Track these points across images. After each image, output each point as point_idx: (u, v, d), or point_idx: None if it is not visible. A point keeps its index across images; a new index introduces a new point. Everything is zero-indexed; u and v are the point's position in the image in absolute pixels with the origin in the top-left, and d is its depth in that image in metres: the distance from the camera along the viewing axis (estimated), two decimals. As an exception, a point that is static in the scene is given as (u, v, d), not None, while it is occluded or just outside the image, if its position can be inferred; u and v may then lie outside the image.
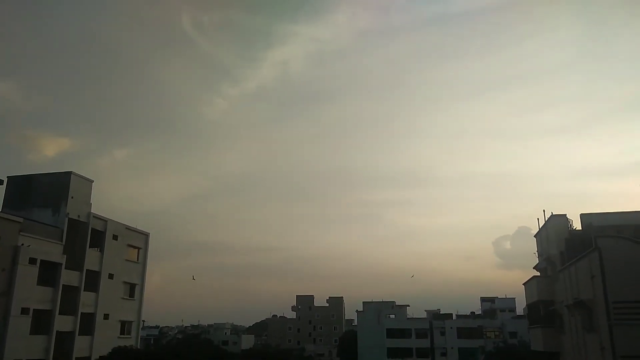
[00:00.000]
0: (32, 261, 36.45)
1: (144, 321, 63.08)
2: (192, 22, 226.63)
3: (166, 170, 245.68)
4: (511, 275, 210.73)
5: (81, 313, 41.66)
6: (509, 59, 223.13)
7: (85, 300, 42.30)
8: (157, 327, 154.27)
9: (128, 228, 48.78)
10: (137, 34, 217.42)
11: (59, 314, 38.98)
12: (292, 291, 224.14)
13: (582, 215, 37.86)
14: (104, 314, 44.48)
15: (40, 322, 37.36)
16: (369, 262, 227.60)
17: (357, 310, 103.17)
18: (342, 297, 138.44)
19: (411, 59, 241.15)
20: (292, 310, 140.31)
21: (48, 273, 38.28)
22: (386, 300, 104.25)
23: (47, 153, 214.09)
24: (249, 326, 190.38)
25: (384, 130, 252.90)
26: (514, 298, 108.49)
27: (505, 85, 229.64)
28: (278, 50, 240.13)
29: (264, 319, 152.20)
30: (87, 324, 42.56)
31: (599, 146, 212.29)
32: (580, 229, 37.90)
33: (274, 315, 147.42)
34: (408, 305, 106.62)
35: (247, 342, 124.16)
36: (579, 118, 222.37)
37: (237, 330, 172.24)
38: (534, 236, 47.34)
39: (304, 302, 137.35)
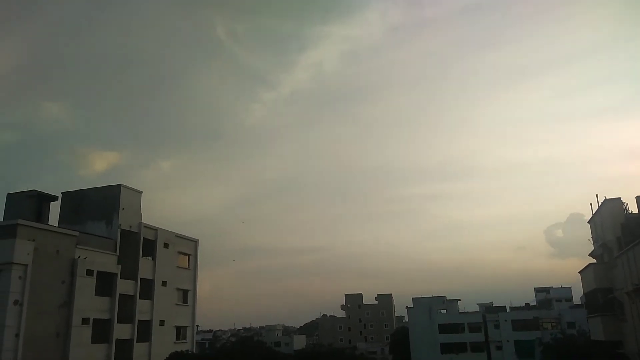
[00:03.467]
0: (90, 272, 37.80)
1: (197, 326, 64.46)
2: (226, 31, 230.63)
3: (210, 178, 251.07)
4: (565, 264, 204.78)
5: (138, 320, 42.91)
6: (545, 42, 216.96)
7: (141, 308, 43.57)
8: (210, 331, 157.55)
9: (178, 236, 49.97)
10: (174, 48, 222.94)
11: (117, 322, 40.28)
12: (340, 290, 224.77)
13: (638, 198, 36.47)
14: (160, 321, 45.68)
15: (100, 331, 38.69)
16: (416, 257, 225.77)
17: (407, 307, 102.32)
18: (390, 294, 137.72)
19: (446, 50, 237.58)
20: (341, 309, 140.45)
21: (105, 283, 39.64)
22: (436, 296, 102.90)
23: (97, 168, 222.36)
24: (300, 327, 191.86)
25: (421, 124, 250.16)
26: (570, 287, 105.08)
27: (544, 70, 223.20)
28: (311, 52, 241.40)
29: (314, 319, 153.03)
30: (144, 331, 43.80)
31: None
32: (637, 212, 36.51)
33: (324, 315, 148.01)
34: (459, 300, 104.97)
35: (299, 342, 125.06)
36: (623, 97, 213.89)
37: (288, 331, 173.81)
38: (588, 222, 45.78)
39: (353, 301, 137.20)
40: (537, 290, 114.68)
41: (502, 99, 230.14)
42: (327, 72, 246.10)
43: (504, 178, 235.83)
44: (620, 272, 35.41)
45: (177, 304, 48.67)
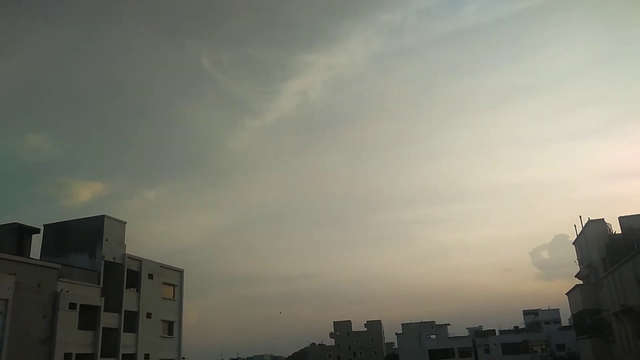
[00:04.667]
0: (72, 306, 36.94)
1: (184, 358, 63.10)
2: (211, 61, 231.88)
3: (196, 206, 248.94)
4: (552, 285, 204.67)
5: (122, 354, 41.87)
6: (525, 67, 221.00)
7: (126, 342, 42.57)
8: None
9: (162, 266, 49.29)
10: (160, 77, 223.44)
11: (101, 356, 39.21)
12: (329, 318, 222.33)
13: (621, 218, 37.00)
14: (145, 354, 44.60)
15: (83, 366, 37.68)
16: (405, 282, 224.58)
17: (396, 333, 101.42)
18: (379, 320, 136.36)
19: (428, 76, 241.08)
20: (330, 337, 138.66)
21: (88, 317, 38.75)
22: (425, 321, 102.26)
23: (81, 199, 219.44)
24: (289, 356, 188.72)
25: (406, 149, 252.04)
26: (558, 309, 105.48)
27: (525, 94, 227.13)
28: (296, 81, 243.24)
29: (302, 347, 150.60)
30: (129, 365, 42.74)
31: (627, 146, 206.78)
32: (621, 232, 36.95)
33: (313, 344, 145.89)
34: (449, 324, 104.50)
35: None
36: (602, 120, 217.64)
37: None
38: (573, 243, 46.18)
39: (342, 328, 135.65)
40: (526, 313, 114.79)
41: (485, 123, 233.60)
42: (311, 100, 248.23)
43: (489, 201, 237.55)
44: (607, 292, 35.60)
45: (162, 337, 47.68)
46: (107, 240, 42.30)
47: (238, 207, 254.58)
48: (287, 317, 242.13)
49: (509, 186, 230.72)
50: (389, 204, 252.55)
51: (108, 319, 40.85)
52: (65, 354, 35.77)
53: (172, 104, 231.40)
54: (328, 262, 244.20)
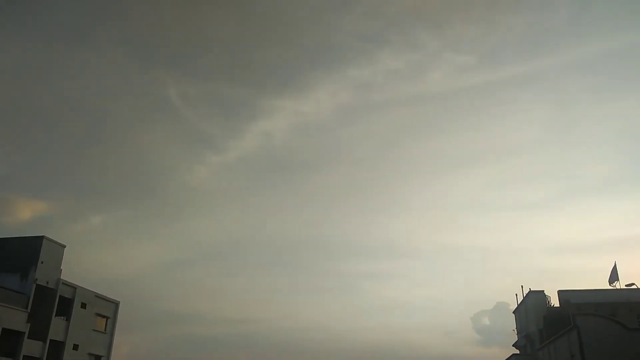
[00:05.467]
0: (-7, 329, 34.66)
1: (107, 397, 59.53)
2: (177, 92, 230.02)
3: (142, 237, 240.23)
4: (490, 352, 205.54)
5: (40, 387, 39.20)
6: (482, 137, 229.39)
7: (47, 373, 39.94)
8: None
9: (97, 296, 47.07)
10: (121, 102, 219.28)
11: (17, 387, 36.64)
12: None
13: (560, 292, 38.05)
14: (66, 389, 41.94)
15: (-4, 396, 35.03)
16: (348, 335, 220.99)
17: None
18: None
19: (390, 134, 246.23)
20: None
21: (10, 342, 36.32)
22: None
23: (22, 216, 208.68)
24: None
25: (363, 201, 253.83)
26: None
27: (480, 162, 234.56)
28: (262, 122, 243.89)
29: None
30: (47, 400, 39.95)
31: (572, 223, 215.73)
32: (558, 305, 37.93)
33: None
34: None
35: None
36: (548, 195, 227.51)
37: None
38: (513, 312, 47.06)
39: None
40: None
41: (439, 185, 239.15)
42: (275, 142, 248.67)
43: (436, 261, 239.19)
44: (542, 364, 36.16)
45: (87, 371, 45.04)
46: (42, 262, 40.30)
47: (186, 242, 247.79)
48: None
49: (456, 249, 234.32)
50: (340, 254, 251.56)
51: (31, 347, 38.37)
52: (-23, 381, 33.24)
53: (131, 131, 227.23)
54: (270, 307, 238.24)
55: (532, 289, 40.67)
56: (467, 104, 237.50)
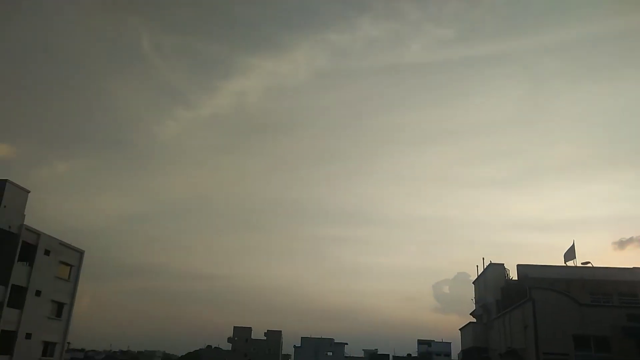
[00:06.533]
0: (-48, 271, 34.10)
1: (69, 343, 59.77)
2: (151, 43, 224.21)
3: (109, 187, 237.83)
4: (448, 319, 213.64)
5: (1, 330, 39.00)
6: (453, 113, 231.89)
7: (8, 317, 39.66)
8: (82, 350, 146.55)
9: (62, 244, 46.58)
10: (93, 48, 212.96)
11: (-24, 330, 36.39)
12: (229, 322, 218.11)
13: (519, 266, 39.18)
14: (27, 333, 41.81)
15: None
16: (311, 297, 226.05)
17: (295, 346, 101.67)
18: (280, 331, 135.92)
19: (364, 102, 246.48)
20: (228, 341, 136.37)
21: (-32, 285, 35.85)
22: (325, 337, 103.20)
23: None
24: (182, 355, 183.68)
25: (334, 167, 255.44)
26: (450, 342, 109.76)
27: (449, 137, 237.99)
28: (236, 80, 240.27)
29: (197, 349, 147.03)
30: (7, 343, 39.84)
31: (534, 201, 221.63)
32: (517, 279, 39.12)
33: (209, 346, 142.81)
34: (346, 344, 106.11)
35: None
36: (512, 173, 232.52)
37: (168, 358, 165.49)
38: (472, 283, 48.42)
39: (241, 334, 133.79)
40: (420, 342, 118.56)
41: (408, 156, 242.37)
42: (249, 102, 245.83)
43: (402, 230, 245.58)
44: (496, 333, 37.55)
45: (49, 318, 44.93)
46: (5, 207, 39.52)
47: (154, 196, 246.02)
48: (185, 316, 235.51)
49: (421, 219, 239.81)
50: (307, 218, 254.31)
51: (-9, 291, 37.97)
52: None
53: (102, 78, 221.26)
54: (237, 266, 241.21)
55: (492, 262, 41.79)
56: (442, 78, 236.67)
